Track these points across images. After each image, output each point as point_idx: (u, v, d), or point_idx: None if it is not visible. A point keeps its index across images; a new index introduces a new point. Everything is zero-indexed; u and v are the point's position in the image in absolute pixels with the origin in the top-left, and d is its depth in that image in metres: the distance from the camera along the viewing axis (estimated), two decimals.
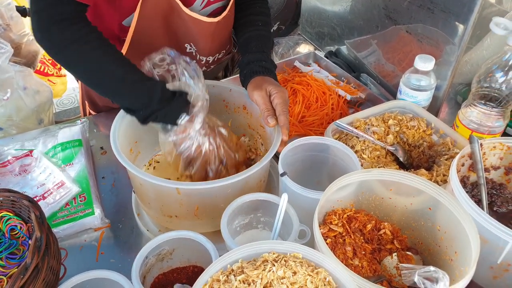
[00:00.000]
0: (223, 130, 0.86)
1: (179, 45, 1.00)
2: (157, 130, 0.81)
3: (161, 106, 0.76)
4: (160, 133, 0.81)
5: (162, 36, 0.96)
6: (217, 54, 1.09)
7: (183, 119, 0.77)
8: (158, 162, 0.98)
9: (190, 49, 1.02)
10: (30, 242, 0.65)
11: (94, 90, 0.82)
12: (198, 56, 1.04)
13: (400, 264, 0.66)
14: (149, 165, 0.97)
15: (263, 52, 0.94)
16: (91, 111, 1.22)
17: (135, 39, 0.92)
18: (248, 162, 0.94)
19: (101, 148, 1.07)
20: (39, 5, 0.75)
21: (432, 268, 0.54)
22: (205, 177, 0.84)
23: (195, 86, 0.79)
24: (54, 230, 0.83)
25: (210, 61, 1.09)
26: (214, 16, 0.95)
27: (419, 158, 0.95)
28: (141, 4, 0.85)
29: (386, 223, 0.73)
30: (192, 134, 0.79)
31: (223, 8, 0.99)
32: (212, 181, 0.72)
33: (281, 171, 0.76)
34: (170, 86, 0.79)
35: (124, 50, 0.95)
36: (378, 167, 0.87)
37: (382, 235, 0.72)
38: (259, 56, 0.92)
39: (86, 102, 1.22)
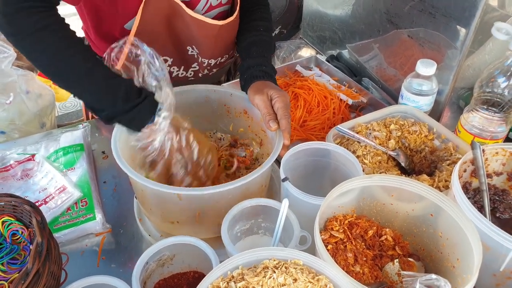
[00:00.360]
0: (190, 134, 0.79)
1: (181, 47, 1.00)
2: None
3: (126, 108, 0.72)
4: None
5: (164, 39, 0.96)
6: (220, 58, 1.09)
7: (149, 125, 0.74)
8: None
9: (192, 51, 1.02)
10: (31, 247, 0.65)
11: (57, 83, 0.77)
12: (200, 58, 1.05)
13: (402, 272, 0.66)
14: None
15: (263, 57, 0.94)
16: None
17: None
18: (223, 171, 0.91)
19: (103, 152, 1.07)
20: None
21: (434, 276, 0.54)
22: (169, 180, 0.80)
23: (163, 88, 0.74)
24: (56, 235, 0.83)
25: (212, 64, 1.09)
26: (218, 20, 0.95)
27: (421, 163, 0.94)
28: (143, 8, 0.86)
29: (387, 229, 0.73)
30: (157, 141, 0.75)
31: (227, 13, 0.99)
32: (213, 187, 0.71)
33: (282, 176, 0.76)
34: (136, 82, 0.74)
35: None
36: (380, 172, 0.86)
37: (384, 241, 0.72)
38: (260, 60, 0.92)
39: None
